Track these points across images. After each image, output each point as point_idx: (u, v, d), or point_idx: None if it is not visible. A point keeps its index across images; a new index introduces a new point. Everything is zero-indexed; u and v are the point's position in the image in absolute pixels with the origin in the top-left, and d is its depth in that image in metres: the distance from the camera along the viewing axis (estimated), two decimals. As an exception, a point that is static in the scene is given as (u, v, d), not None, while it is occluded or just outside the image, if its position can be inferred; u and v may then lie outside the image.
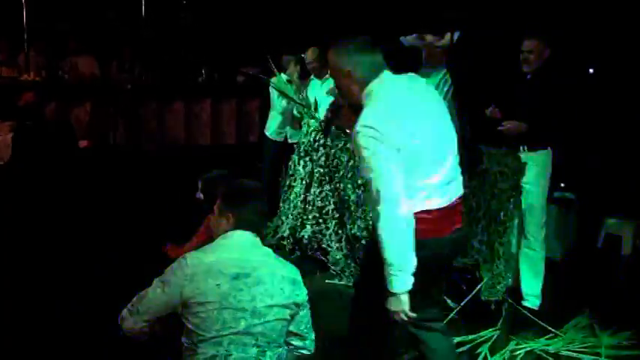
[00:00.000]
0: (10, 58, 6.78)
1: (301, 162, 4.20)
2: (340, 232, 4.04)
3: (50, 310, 3.22)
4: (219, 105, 7.65)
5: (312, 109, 4.29)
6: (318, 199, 4.10)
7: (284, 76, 4.84)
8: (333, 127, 4.08)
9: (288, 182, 4.30)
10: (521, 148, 3.38)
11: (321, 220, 4.10)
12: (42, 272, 3.73)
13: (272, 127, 5.07)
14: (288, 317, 1.94)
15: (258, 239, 1.99)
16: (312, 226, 4.13)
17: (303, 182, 4.17)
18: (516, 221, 3.46)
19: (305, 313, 2.02)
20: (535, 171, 3.36)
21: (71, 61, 6.74)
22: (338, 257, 3.98)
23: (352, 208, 4.10)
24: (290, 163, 4.31)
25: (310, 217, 4.13)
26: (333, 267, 3.97)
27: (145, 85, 7.17)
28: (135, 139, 6.88)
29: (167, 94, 7.20)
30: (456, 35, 3.27)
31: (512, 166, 3.28)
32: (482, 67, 3.42)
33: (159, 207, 5.03)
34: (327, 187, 4.08)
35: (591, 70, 4.69)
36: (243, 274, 1.84)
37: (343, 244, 4.01)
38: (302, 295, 1.98)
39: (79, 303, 3.27)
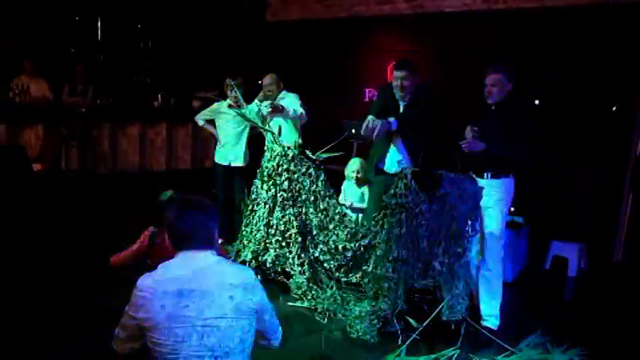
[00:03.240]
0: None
1: (264, 186, 4.22)
2: (303, 255, 4.08)
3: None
4: (175, 129, 7.62)
5: (277, 134, 4.35)
6: (282, 223, 4.13)
7: (226, 102, 4.95)
8: (296, 152, 4.17)
9: (250, 206, 4.32)
10: (485, 174, 3.56)
11: (284, 244, 4.12)
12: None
13: (218, 151, 5.17)
14: (246, 324, 1.93)
15: (206, 252, 1.96)
16: (275, 250, 4.15)
17: (267, 206, 4.19)
18: (475, 243, 3.61)
19: (267, 315, 2.02)
20: (497, 197, 3.54)
21: (22, 83, 6.55)
22: (301, 281, 4.02)
23: (314, 232, 4.18)
24: (253, 188, 4.34)
25: (273, 240, 4.15)
26: (295, 290, 3.99)
27: (98, 108, 7.05)
28: (87, 162, 6.73)
29: (122, 117, 7.11)
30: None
31: (470, 190, 3.44)
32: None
33: (107, 231, 4.96)
34: (290, 211, 4.12)
35: (537, 102, 4.98)
36: (186, 289, 1.85)
37: (306, 267, 4.05)
38: (257, 298, 1.96)
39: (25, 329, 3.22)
